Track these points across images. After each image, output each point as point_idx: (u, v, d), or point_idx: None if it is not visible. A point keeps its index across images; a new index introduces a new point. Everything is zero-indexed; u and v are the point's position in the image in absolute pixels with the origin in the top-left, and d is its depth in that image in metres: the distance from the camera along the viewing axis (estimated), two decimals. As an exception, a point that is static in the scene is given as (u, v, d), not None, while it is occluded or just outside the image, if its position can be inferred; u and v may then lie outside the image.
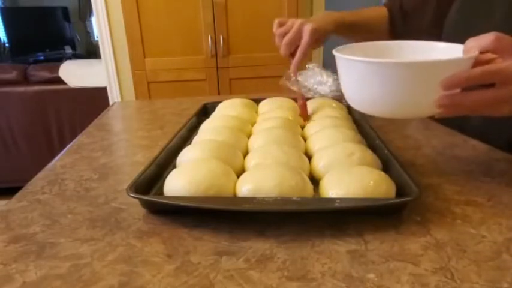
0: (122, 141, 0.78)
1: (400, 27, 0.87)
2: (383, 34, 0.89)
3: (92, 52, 4.71)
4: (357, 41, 0.94)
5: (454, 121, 0.75)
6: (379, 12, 0.89)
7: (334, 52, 0.49)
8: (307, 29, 0.73)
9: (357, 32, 0.87)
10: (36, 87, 2.20)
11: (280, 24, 0.79)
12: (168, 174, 0.48)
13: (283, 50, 0.77)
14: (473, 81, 0.41)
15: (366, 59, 0.44)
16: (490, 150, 0.63)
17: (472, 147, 0.65)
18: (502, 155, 0.60)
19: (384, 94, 0.44)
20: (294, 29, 0.75)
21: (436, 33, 0.77)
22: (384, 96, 0.44)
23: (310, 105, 0.81)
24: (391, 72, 0.43)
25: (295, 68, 0.77)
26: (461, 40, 0.74)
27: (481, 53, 0.43)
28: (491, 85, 0.42)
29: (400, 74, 0.43)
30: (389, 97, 0.44)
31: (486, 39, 0.43)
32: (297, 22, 0.76)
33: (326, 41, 0.82)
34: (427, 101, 0.42)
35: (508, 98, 0.42)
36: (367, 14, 0.89)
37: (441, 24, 0.77)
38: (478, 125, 0.69)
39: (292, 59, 0.77)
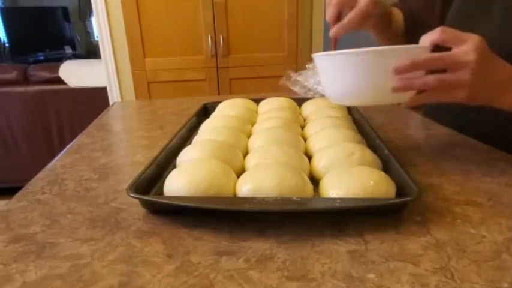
0: (122, 141, 0.78)
1: (410, 28, 0.85)
2: (399, 34, 0.84)
3: (92, 52, 4.71)
4: (381, 37, 0.87)
5: (454, 121, 0.75)
6: (397, 13, 0.84)
7: (312, 55, 0.55)
8: None
9: (388, 25, 0.79)
10: (36, 87, 2.20)
11: None
12: (168, 174, 0.48)
13: (330, 10, 0.63)
14: (419, 67, 0.47)
15: (328, 53, 0.52)
16: (490, 150, 0.63)
17: (472, 147, 0.65)
18: (502, 155, 0.60)
19: (352, 83, 0.50)
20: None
21: None
22: (353, 85, 0.51)
23: (310, 105, 0.81)
24: (353, 61, 0.49)
25: (334, 33, 0.63)
26: None
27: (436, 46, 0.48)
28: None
29: (359, 62, 0.49)
30: (357, 85, 0.50)
31: (435, 32, 0.48)
32: None
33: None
34: (388, 87, 0.48)
35: (457, 82, 0.47)
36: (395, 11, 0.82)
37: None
38: (478, 125, 0.69)
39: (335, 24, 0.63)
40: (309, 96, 0.97)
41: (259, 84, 2.07)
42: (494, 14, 0.66)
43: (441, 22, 0.77)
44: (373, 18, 0.68)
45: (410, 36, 0.84)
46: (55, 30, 4.78)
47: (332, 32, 0.63)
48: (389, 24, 0.79)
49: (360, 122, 0.72)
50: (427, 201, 0.46)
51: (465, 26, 0.71)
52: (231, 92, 2.10)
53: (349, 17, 0.62)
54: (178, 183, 0.45)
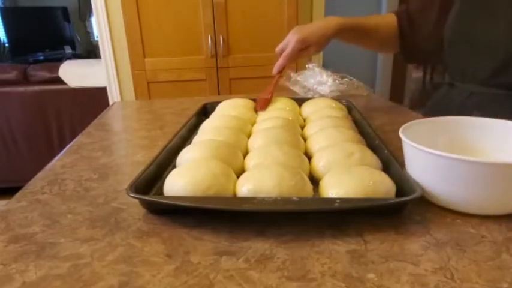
0: (122, 141, 0.78)
1: (407, 29, 0.88)
2: (391, 40, 0.90)
3: (92, 52, 4.70)
4: (364, 47, 0.96)
5: None
6: (387, 18, 0.91)
7: (414, 145, 0.44)
8: (293, 39, 0.81)
9: (363, 36, 0.89)
10: (36, 87, 2.20)
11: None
12: (168, 174, 0.48)
13: (276, 64, 0.85)
14: None
15: (466, 159, 0.40)
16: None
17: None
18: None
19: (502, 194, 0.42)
20: (284, 40, 0.83)
21: (439, 36, 0.78)
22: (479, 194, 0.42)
23: (310, 105, 0.81)
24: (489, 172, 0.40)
25: (275, 71, 0.86)
26: (463, 44, 0.74)
27: None
28: None
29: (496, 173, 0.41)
30: (483, 195, 0.42)
31: None
32: (290, 34, 0.83)
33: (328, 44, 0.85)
34: None
35: None
36: (375, 19, 0.91)
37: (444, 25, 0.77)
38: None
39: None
40: (309, 96, 0.97)
41: (259, 84, 2.06)
42: (498, 16, 0.66)
43: (437, 25, 0.79)
44: (314, 47, 0.83)
45: (405, 36, 0.88)
46: (55, 30, 4.78)
47: (273, 72, 0.86)
48: (363, 34, 0.88)
49: (360, 122, 0.72)
50: (427, 201, 0.46)
51: (467, 28, 0.72)
52: (231, 92, 2.10)
53: (280, 60, 0.84)
54: (178, 183, 0.45)
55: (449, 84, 0.81)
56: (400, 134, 0.47)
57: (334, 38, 0.84)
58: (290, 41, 0.82)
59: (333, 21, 0.83)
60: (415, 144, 0.44)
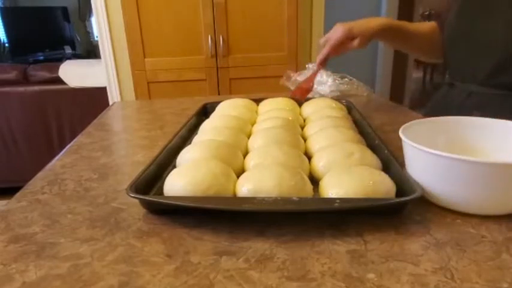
0: (122, 141, 0.78)
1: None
2: (434, 44, 0.88)
3: (92, 52, 4.70)
4: (406, 50, 0.97)
5: None
6: (429, 25, 0.90)
7: (414, 145, 0.44)
8: (338, 29, 0.81)
9: (406, 38, 0.88)
10: (36, 87, 2.20)
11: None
12: (168, 174, 0.48)
13: (320, 53, 0.83)
14: None
15: (466, 159, 0.40)
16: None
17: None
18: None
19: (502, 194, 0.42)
20: (330, 31, 0.82)
21: None
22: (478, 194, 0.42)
23: (310, 106, 0.81)
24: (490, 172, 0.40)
25: (319, 61, 0.84)
26: (463, 43, 0.74)
27: None
28: None
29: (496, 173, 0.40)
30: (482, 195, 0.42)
31: None
32: (336, 25, 0.82)
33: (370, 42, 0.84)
34: None
35: None
36: (416, 24, 0.91)
37: None
38: None
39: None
40: (309, 96, 0.97)
41: (259, 84, 2.07)
42: (497, 16, 0.66)
43: None
44: (359, 39, 0.81)
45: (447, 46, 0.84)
46: (55, 30, 4.78)
47: (316, 63, 0.85)
48: (406, 37, 0.88)
49: (360, 122, 0.72)
50: (427, 201, 0.46)
51: (466, 27, 0.71)
52: (231, 92, 2.10)
53: (326, 47, 0.82)
54: (178, 183, 0.45)
55: (449, 84, 0.81)
56: (400, 134, 0.47)
57: (378, 38, 0.84)
58: (336, 30, 0.81)
59: (379, 19, 0.84)
60: (415, 144, 0.44)
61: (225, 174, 0.47)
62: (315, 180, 0.50)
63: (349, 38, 0.80)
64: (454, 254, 0.36)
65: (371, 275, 0.34)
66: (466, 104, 0.72)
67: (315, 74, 0.87)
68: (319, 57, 0.84)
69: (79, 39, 4.99)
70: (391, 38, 0.88)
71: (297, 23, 2.03)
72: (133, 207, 0.47)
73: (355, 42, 0.81)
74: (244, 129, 0.66)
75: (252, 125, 0.71)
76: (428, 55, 0.99)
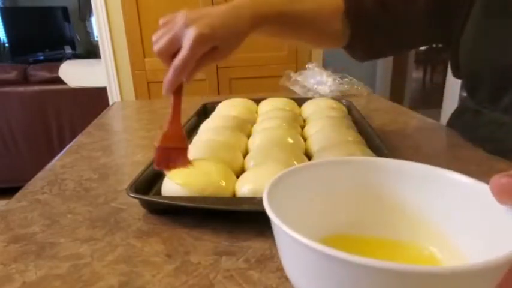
0: (122, 141, 0.78)
1: (379, 18, 0.63)
2: (333, 33, 0.64)
3: (92, 52, 4.71)
4: (299, 42, 0.70)
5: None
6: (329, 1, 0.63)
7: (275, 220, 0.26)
8: (190, 36, 0.46)
9: (295, 29, 0.61)
10: (36, 87, 2.20)
11: (165, 24, 0.53)
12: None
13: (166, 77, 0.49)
14: None
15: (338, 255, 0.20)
16: (490, 150, 0.63)
17: (472, 147, 0.65)
18: (502, 155, 0.60)
19: None
20: (168, 34, 0.50)
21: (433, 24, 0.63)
22: None
23: (310, 106, 0.81)
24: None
25: (165, 89, 0.50)
26: (481, 70, 0.61)
27: None
28: None
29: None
30: None
31: None
32: (181, 21, 0.49)
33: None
34: None
35: None
36: (311, 2, 0.60)
37: (437, 13, 0.62)
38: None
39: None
40: (309, 96, 0.97)
41: (259, 84, 2.07)
42: None
43: (425, 15, 0.62)
44: (221, 50, 0.50)
45: (379, 24, 0.64)
46: (55, 30, 4.78)
47: (163, 92, 0.50)
48: (288, 26, 0.59)
49: (360, 122, 0.72)
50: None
51: (488, 27, 0.61)
52: (231, 92, 2.10)
53: (169, 73, 0.49)
54: (175, 183, 0.45)
55: (475, 111, 0.68)
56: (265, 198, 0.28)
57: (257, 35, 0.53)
58: (184, 38, 0.47)
59: (245, 11, 0.51)
60: (276, 220, 0.25)
61: (224, 174, 0.47)
62: (315, 180, 0.49)
63: (206, 50, 0.48)
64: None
65: (371, 275, 0.34)
66: (498, 137, 0.62)
67: (174, 111, 0.54)
68: (165, 88, 0.50)
69: (79, 39, 5.00)
70: (272, 33, 0.59)
71: (297, 23, 2.04)
72: (133, 207, 0.47)
73: (216, 55, 0.50)
74: (244, 129, 0.66)
75: (252, 125, 0.71)
76: (326, 41, 0.69)
